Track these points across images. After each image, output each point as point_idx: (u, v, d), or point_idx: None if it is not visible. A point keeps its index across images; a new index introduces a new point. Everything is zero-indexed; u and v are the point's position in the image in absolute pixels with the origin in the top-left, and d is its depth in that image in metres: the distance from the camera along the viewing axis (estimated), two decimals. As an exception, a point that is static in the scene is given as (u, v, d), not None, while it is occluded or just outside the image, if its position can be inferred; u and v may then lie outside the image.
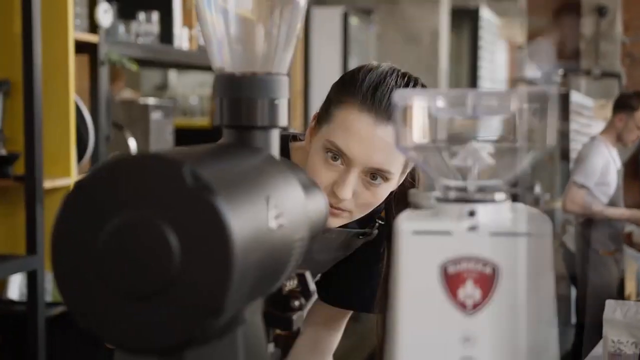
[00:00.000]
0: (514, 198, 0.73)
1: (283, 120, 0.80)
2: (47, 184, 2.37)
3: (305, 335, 1.48)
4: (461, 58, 7.31)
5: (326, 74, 5.66)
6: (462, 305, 0.67)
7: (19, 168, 2.37)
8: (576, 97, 7.23)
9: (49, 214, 2.34)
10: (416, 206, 0.77)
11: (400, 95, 0.70)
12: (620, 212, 4.32)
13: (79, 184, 0.62)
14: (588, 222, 4.34)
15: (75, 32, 2.52)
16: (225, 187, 0.62)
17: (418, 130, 0.71)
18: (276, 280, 0.72)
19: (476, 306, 0.67)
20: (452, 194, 0.70)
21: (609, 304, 2.02)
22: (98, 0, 2.62)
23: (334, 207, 1.26)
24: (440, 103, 0.70)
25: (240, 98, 0.78)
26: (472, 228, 0.67)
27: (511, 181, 0.71)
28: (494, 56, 8.27)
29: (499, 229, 0.67)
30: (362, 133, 1.22)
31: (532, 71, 5.81)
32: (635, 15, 10.02)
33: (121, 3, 2.91)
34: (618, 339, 1.96)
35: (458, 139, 0.73)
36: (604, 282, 4.24)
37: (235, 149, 0.75)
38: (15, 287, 2.49)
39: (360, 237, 1.43)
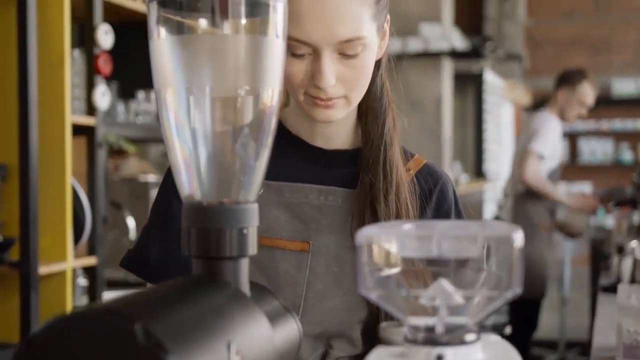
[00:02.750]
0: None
1: (252, 249, 0.78)
2: (43, 269, 2.35)
3: None
4: (466, 121, 7.32)
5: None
6: None
7: (14, 253, 2.36)
8: (489, 76, 7.23)
9: (44, 300, 2.32)
10: (387, 342, 0.75)
11: (363, 235, 0.68)
12: (569, 200, 4.29)
13: (28, 341, 0.60)
14: (528, 193, 4.26)
15: (73, 115, 2.53)
16: (180, 341, 0.60)
17: (383, 270, 0.69)
18: None
19: None
20: (420, 335, 0.68)
21: (622, 288, 1.84)
22: (96, 82, 2.63)
23: (325, 100, 1.14)
24: (406, 243, 0.68)
25: (209, 228, 0.76)
26: (440, 375, 0.65)
27: (481, 321, 0.69)
28: (500, 118, 8.29)
29: (468, 375, 0.65)
30: (312, 13, 1.09)
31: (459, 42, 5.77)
32: (538, -2, 10.10)
33: (121, 82, 2.93)
34: (635, 329, 1.78)
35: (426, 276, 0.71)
36: (534, 257, 4.12)
37: (200, 286, 0.73)
38: (10, 374, 2.46)
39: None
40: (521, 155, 4.23)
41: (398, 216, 1.20)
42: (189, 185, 0.78)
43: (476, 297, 0.68)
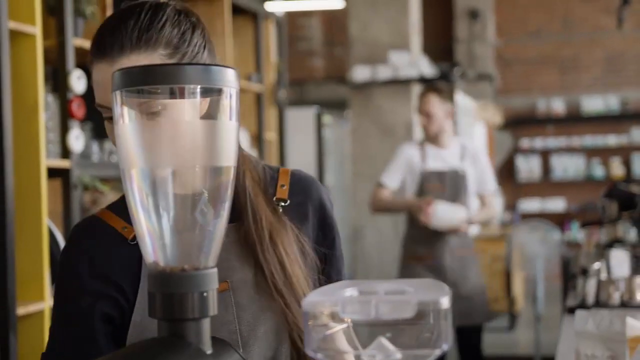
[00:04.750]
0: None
1: (213, 309, 0.86)
2: (21, 310, 2.41)
3: None
4: (438, 143, 7.43)
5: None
6: None
7: (-8, 296, 2.42)
8: (460, 98, 7.35)
9: (22, 341, 2.38)
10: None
11: (308, 302, 0.77)
12: (402, 201, 4.14)
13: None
14: (405, 229, 4.23)
15: (48, 159, 2.60)
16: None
17: (327, 333, 0.77)
18: None
19: None
20: (362, 389, 0.76)
21: (580, 314, 1.92)
22: (70, 126, 2.71)
23: None
24: (347, 308, 0.77)
25: (172, 293, 0.84)
26: None
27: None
28: (472, 138, 8.41)
29: None
30: (104, 81, 1.19)
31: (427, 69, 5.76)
32: (507, 18, 10.32)
33: (95, 123, 3.00)
34: (592, 353, 1.83)
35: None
36: None
37: (163, 347, 0.81)
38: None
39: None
40: None
41: (280, 261, 1.27)
42: (153, 253, 0.86)
43: (411, 353, 0.77)
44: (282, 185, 1.34)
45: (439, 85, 4.21)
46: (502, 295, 6.93)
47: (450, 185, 4.08)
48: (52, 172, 2.67)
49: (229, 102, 0.86)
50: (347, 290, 0.80)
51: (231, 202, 0.89)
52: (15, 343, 2.36)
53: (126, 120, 0.85)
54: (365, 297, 0.77)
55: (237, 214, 1.30)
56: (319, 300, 0.78)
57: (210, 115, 0.86)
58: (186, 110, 0.87)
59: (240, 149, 1.35)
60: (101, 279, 1.22)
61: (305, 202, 1.35)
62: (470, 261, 4.18)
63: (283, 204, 1.32)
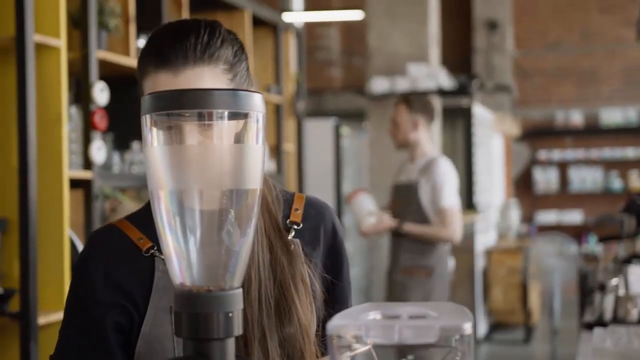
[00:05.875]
0: None
1: (238, 329, 0.88)
2: (42, 319, 2.44)
3: None
4: (456, 155, 7.42)
5: (321, 186, 5.81)
6: None
7: (14, 305, 2.45)
8: (478, 110, 7.34)
9: (43, 350, 2.41)
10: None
11: (332, 326, 0.78)
12: None
13: None
14: None
15: (70, 170, 2.63)
16: None
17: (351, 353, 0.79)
18: None
19: None
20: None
21: (598, 332, 1.93)
22: (92, 137, 2.74)
23: None
24: (371, 332, 0.78)
25: (198, 313, 0.86)
26: None
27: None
28: (490, 149, 8.40)
29: None
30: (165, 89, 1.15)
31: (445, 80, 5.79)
32: (526, 30, 10.28)
33: (116, 133, 3.03)
34: None
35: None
36: None
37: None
38: None
39: None
40: None
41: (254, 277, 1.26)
42: (180, 273, 0.88)
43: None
44: (297, 209, 1.34)
45: (412, 97, 4.21)
46: (518, 307, 6.91)
47: (402, 199, 4.07)
48: (74, 183, 2.70)
49: (256, 125, 0.88)
50: (371, 314, 0.81)
51: (257, 222, 0.91)
52: (36, 352, 2.39)
53: (155, 143, 0.87)
54: (388, 321, 0.78)
55: None
56: (343, 324, 0.79)
57: (237, 139, 0.88)
58: (214, 134, 0.89)
59: None
60: (114, 287, 1.23)
61: (318, 226, 1.35)
62: (417, 284, 3.96)
63: (296, 227, 1.32)
